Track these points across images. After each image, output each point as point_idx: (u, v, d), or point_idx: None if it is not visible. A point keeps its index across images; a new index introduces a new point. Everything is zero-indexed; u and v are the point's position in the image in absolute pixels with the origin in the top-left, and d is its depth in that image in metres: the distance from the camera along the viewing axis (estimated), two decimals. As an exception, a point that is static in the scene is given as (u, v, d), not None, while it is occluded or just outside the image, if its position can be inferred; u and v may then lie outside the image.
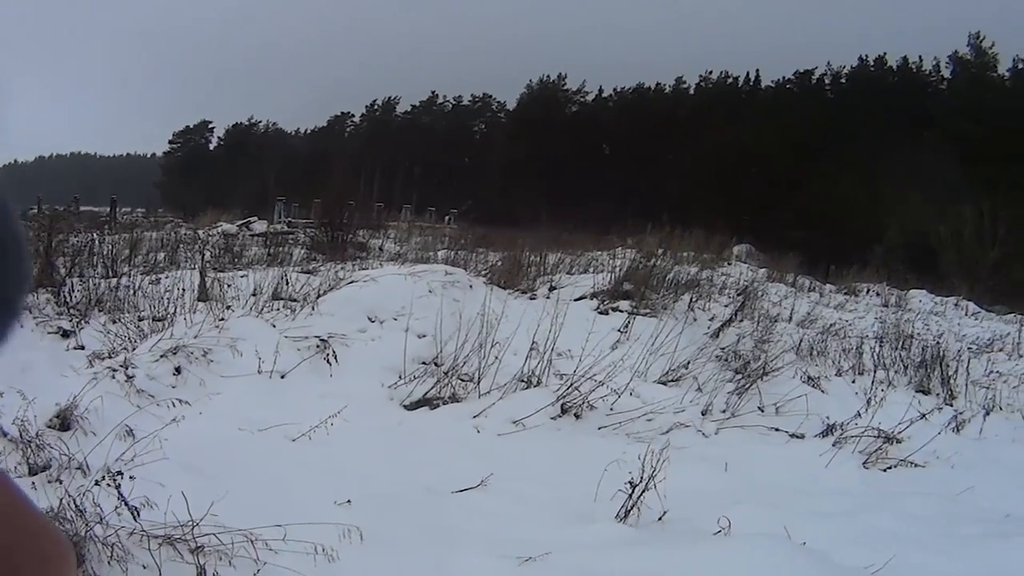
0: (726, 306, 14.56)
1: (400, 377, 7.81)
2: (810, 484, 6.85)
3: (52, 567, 0.90)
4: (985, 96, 56.61)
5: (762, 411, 8.65)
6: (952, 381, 10.90)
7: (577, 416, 7.49)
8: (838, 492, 6.70)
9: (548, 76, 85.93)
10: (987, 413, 9.04)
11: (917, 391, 10.50)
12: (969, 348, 14.80)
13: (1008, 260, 36.08)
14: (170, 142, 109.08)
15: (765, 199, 54.47)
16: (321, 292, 10.29)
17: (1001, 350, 15.47)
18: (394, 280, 10.05)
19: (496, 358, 8.01)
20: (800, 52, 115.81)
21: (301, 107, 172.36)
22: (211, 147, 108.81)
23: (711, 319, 12.39)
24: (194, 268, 12.13)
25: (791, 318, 15.87)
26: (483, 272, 13.26)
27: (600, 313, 11.05)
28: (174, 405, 6.41)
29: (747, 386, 8.98)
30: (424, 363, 8.22)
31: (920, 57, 66.51)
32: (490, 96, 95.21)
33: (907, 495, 6.74)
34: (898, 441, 7.73)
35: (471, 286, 10.96)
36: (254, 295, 10.44)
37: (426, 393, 7.51)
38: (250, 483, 5.10)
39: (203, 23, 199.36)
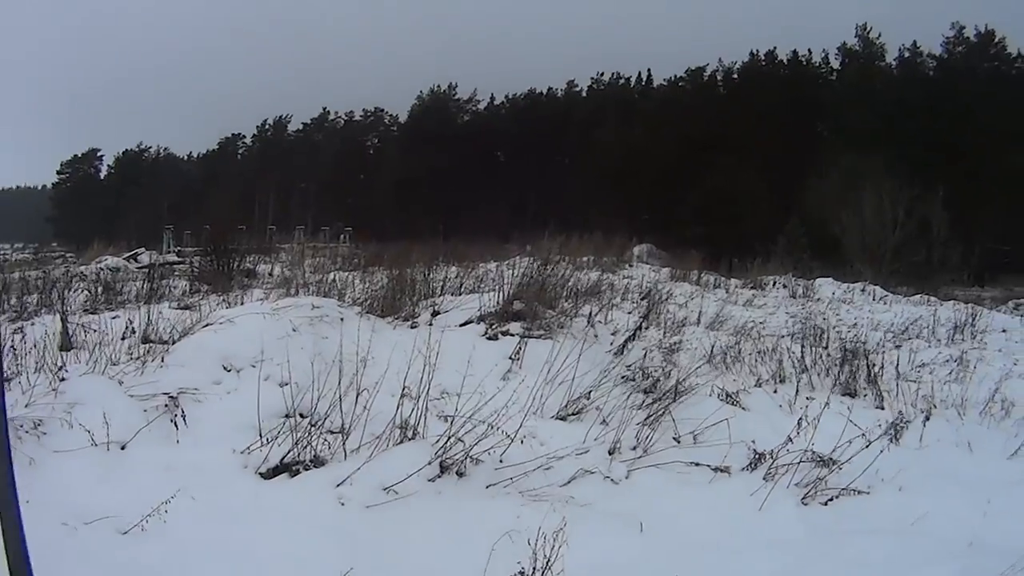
0: (629, 313, 13.67)
1: (259, 436, 6.51)
2: (742, 536, 5.80)
3: None
4: (874, 86, 57.74)
5: (679, 442, 7.51)
6: (879, 379, 10.07)
7: (460, 474, 6.27)
8: (776, 543, 5.70)
9: (439, 86, 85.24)
10: (927, 418, 8.02)
11: (844, 394, 9.66)
12: (886, 337, 14.30)
13: (909, 242, 36.37)
14: (58, 172, 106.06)
15: (663, 197, 54.63)
16: (181, 334, 9.04)
17: (919, 336, 15.07)
18: (253, 320, 8.71)
19: (365, 407, 6.72)
20: (690, 50, 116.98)
21: (193, 130, 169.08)
22: (101, 176, 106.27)
23: (613, 333, 11.29)
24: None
25: (699, 320, 15.06)
26: (362, 299, 11.96)
27: (488, 339, 9.85)
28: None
29: (659, 413, 7.80)
30: (287, 415, 6.97)
31: (809, 50, 68.23)
32: (382, 110, 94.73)
33: (855, 534, 5.87)
34: (834, 463, 6.73)
35: (342, 319, 9.60)
36: (123, 339, 9.16)
37: (284, 457, 6.21)
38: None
39: (90, 47, 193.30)
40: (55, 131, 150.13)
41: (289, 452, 6.23)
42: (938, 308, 19.76)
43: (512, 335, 9.81)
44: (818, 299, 22.58)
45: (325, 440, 6.47)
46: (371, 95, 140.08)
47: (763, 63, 69.12)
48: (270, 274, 20.25)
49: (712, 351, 11.32)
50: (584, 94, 79.73)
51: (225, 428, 6.70)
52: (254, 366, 7.78)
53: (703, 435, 7.50)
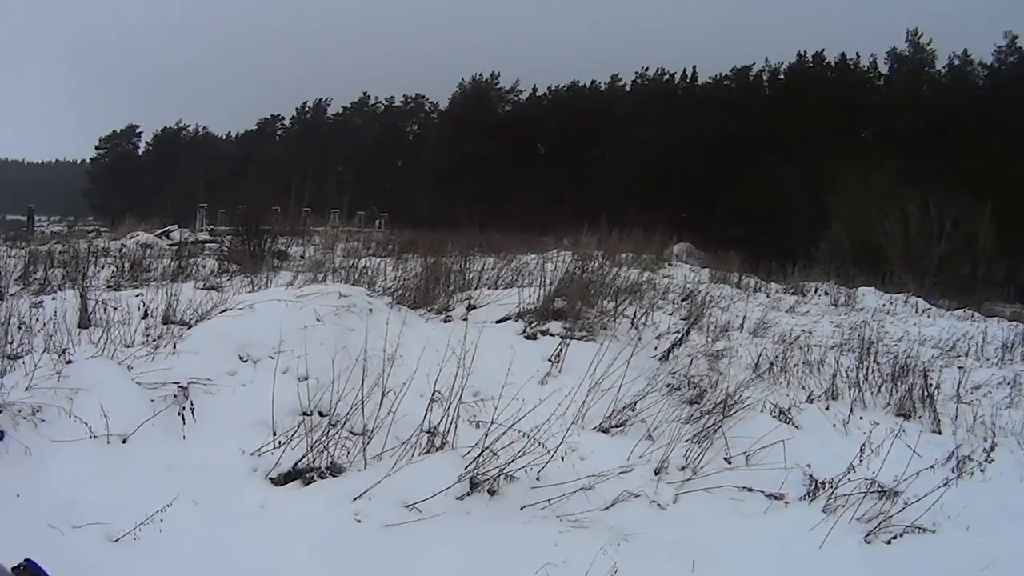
0: (670, 315, 13.15)
1: (273, 436, 5.96)
2: (804, 576, 5.20)
3: None
4: (923, 92, 56.56)
5: (730, 463, 6.93)
6: (935, 400, 9.36)
7: (492, 492, 5.67)
8: (841, 587, 5.09)
9: (481, 75, 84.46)
10: (992, 448, 7.35)
11: (898, 414, 9.02)
12: (935, 354, 13.62)
13: (954, 255, 35.45)
14: (97, 148, 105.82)
15: (703, 196, 53.66)
16: (200, 317, 8.58)
17: (967, 354, 14.39)
18: (275, 307, 8.20)
19: (390, 409, 6.13)
20: (737, 49, 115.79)
21: (232, 110, 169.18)
22: (139, 152, 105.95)
23: (658, 337, 10.72)
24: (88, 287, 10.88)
25: (743, 325, 14.46)
26: (393, 288, 11.40)
27: (527, 338, 9.27)
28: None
29: (711, 427, 7.18)
30: (305, 414, 6.43)
31: (857, 54, 66.70)
32: (423, 97, 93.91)
33: (924, 581, 5.20)
34: (897, 495, 6.12)
35: (370, 310, 9.05)
36: (143, 319, 8.96)
37: (298, 462, 5.65)
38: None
39: (134, 27, 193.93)
40: (98, 108, 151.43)
41: (304, 457, 5.68)
42: (984, 324, 19.02)
43: (553, 335, 9.23)
44: (861, 308, 21.89)
45: (344, 446, 5.90)
46: (413, 83, 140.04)
47: (810, 64, 67.87)
48: (302, 257, 19.95)
49: (758, 360, 10.75)
50: (627, 88, 78.56)
51: (237, 425, 6.19)
52: (272, 357, 7.27)
53: (755, 456, 6.90)
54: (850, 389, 9.64)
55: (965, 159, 45.60)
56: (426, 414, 6.08)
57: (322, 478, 5.65)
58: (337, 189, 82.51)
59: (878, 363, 10.95)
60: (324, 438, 5.78)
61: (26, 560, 2.25)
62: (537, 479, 5.79)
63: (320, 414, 6.48)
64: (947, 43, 65.47)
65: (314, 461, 5.69)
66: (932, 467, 6.30)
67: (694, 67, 74.50)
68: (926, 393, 9.37)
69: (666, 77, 76.19)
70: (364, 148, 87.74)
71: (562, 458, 5.80)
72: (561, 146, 71.28)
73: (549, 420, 6.03)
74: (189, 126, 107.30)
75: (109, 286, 12.56)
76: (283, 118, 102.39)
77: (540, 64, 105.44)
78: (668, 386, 8.32)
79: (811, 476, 6.44)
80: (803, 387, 9.88)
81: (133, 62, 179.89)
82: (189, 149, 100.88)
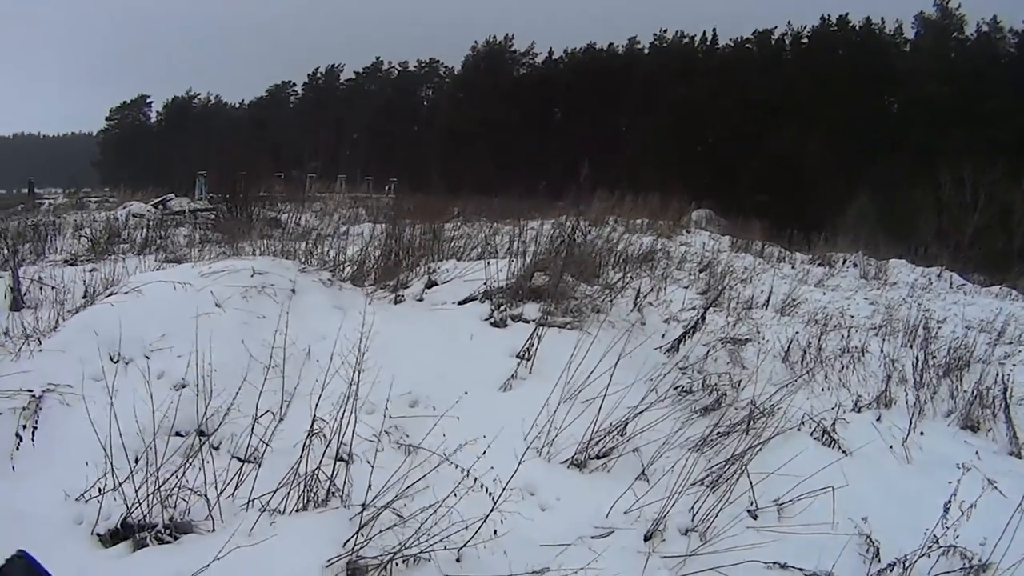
0: (686, 288, 11.51)
1: (112, 471, 4.11)
2: None
3: None
4: (952, 58, 55.12)
5: (755, 518, 4.96)
6: (1009, 407, 7.26)
7: (382, 585, 3.80)
8: None
9: (494, 37, 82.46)
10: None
11: (963, 427, 7.16)
12: (982, 338, 11.42)
13: (988, 228, 33.65)
14: (107, 119, 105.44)
15: (724, 162, 51.89)
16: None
17: (1021, 340, 12.45)
18: (164, 291, 6.43)
19: (279, 424, 4.29)
20: (758, 11, 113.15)
21: (245, 78, 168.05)
22: (150, 123, 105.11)
23: (666, 320, 8.82)
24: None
25: (768, 303, 12.61)
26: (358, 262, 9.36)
27: (493, 325, 7.21)
28: None
29: (732, 460, 5.05)
30: (177, 434, 4.67)
31: (883, 18, 64.46)
32: (437, 61, 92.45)
33: None
34: (985, 570, 4.32)
35: (293, 290, 7.09)
36: (84, 298, 8.01)
37: (126, 515, 3.82)
38: None
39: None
40: (114, 79, 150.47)
41: (136, 508, 3.86)
42: (1025, 303, 17.25)
43: (528, 321, 7.12)
44: (894, 283, 20.08)
45: (197, 491, 4.06)
46: (427, 47, 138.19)
47: (834, 28, 65.82)
48: (297, 224, 18.57)
49: (789, 348, 8.86)
50: (646, 51, 76.51)
51: (82, 452, 4.34)
52: (148, 356, 5.49)
53: (792, 507, 4.96)
54: (905, 392, 7.66)
55: (997, 129, 43.48)
56: (303, 453, 4.17)
57: (159, 540, 3.82)
58: (350, 155, 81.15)
59: (934, 356, 8.99)
60: (176, 478, 3.98)
61: (19, 551, 2.03)
62: (457, 560, 3.91)
63: (200, 434, 4.68)
64: (976, 7, 63.19)
65: (148, 516, 3.86)
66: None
67: (714, 30, 72.49)
68: (1005, 401, 7.33)
69: (685, 40, 74.21)
70: (377, 114, 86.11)
71: (500, 523, 3.88)
72: (578, 110, 69.62)
73: (495, 439, 4.20)
74: (199, 94, 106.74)
75: (66, 261, 12.03)
76: (295, 85, 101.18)
77: (556, 27, 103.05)
78: (676, 388, 6.42)
79: (869, 538, 4.57)
80: (845, 386, 7.94)
81: (144, 31, 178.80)
82: (201, 118, 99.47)
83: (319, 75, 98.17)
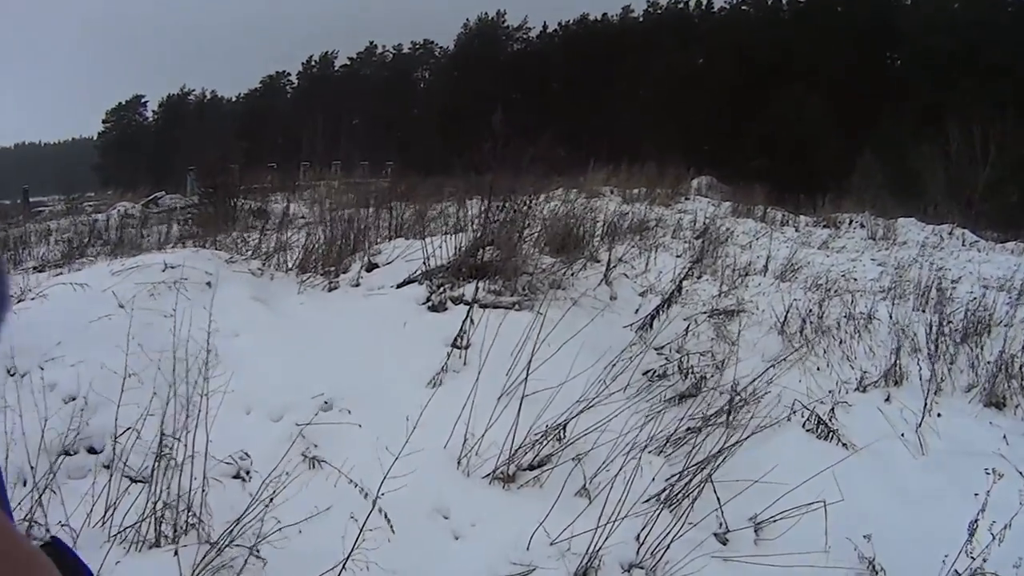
0: (678, 256, 10.68)
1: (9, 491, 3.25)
2: None
3: None
4: (953, 9, 53.55)
5: (724, 543, 3.95)
6: None
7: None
8: None
9: (486, 14, 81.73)
10: None
11: (987, 404, 6.12)
12: (1006, 300, 10.24)
13: (1000, 182, 32.57)
14: (104, 121, 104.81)
15: (724, 127, 51.02)
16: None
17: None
18: (64, 294, 5.61)
19: (184, 440, 3.42)
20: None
21: (239, 72, 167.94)
22: (146, 123, 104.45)
23: (643, 293, 7.84)
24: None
25: (767, 268, 11.65)
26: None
27: (430, 309, 6.28)
28: None
29: (698, 467, 4.02)
30: (67, 453, 3.87)
31: (883, -29, 62.71)
32: (431, 42, 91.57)
33: None
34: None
35: (208, 283, 6.12)
36: None
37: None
38: None
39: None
40: (109, 82, 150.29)
41: None
42: (1042, 259, 16.21)
43: (469, 303, 6.05)
44: (904, 242, 19.08)
45: (62, 523, 3.26)
46: (420, 29, 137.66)
47: (833, -16, 64.63)
48: (284, 214, 17.96)
49: (786, 318, 7.88)
50: (640, 19, 75.73)
51: None
52: (42, 367, 4.64)
53: (774, 527, 3.97)
54: (918, 365, 6.60)
55: (1004, 78, 42.32)
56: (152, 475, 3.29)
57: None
58: (348, 141, 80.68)
59: (950, 320, 8.00)
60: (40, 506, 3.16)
61: (51, 536, 1.86)
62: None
63: (90, 451, 3.87)
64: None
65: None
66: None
67: (709, -8, 71.46)
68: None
69: (680, 4, 73.38)
70: (374, 98, 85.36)
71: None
72: (575, 83, 68.95)
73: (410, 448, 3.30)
74: (194, 91, 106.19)
75: (35, 268, 11.86)
76: (290, 75, 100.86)
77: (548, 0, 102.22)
78: (647, 374, 5.48)
79: (872, 565, 3.61)
80: (849, 361, 6.97)
81: (138, 33, 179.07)
82: (196, 114, 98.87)
83: (313, 63, 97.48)
